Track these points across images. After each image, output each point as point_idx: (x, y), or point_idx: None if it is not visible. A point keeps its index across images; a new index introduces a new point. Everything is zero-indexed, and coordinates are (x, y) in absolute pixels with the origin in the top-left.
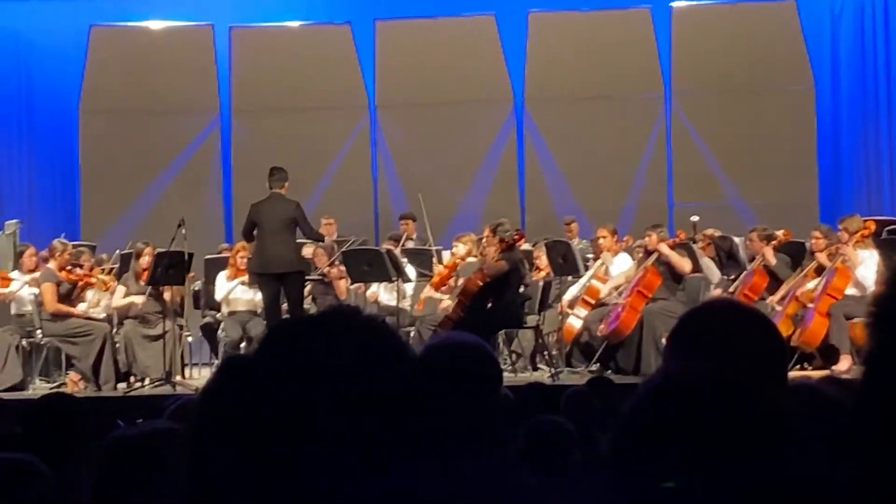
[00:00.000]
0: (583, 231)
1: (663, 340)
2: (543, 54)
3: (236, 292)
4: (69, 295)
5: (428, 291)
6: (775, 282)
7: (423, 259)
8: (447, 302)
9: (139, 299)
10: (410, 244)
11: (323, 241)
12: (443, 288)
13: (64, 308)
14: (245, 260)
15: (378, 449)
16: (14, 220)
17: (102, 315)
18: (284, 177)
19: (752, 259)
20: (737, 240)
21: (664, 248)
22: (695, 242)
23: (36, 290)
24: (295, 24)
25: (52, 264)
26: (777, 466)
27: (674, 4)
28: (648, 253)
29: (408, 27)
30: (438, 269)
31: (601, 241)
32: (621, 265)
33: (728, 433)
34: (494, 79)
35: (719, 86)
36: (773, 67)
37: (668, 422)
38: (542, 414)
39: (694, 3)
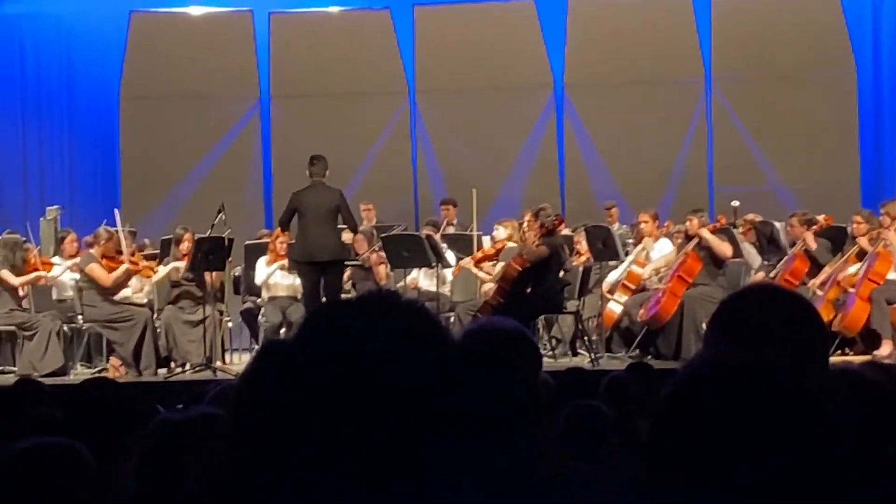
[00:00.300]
0: (623, 216)
1: (704, 326)
2: (583, 39)
3: (276, 277)
4: None
5: (467, 263)
6: (816, 267)
7: (463, 244)
8: (488, 286)
9: (180, 264)
10: (451, 230)
11: (356, 232)
12: (481, 271)
13: (119, 275)
14: (284, 245)
15: (416, 433)
16: (55, 206)
17: (144, 300)
18: (326, 165)
19: (792, 244)
20: (778, 225)
21: (705, 233)
22: (735, 227)
23: (76, 276)
24: (334, 9)
25: (94, 250)
26: (816, 451)
27: None
28: (689, 238)
29: (447, 12)
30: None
31: (642, 225)
32: (662, 250)
33: (767, 418)
34: (534, 64)
35: (760, 70)
36: (814, 52)
37: (707, 406)
38: (581, 399)
39: None
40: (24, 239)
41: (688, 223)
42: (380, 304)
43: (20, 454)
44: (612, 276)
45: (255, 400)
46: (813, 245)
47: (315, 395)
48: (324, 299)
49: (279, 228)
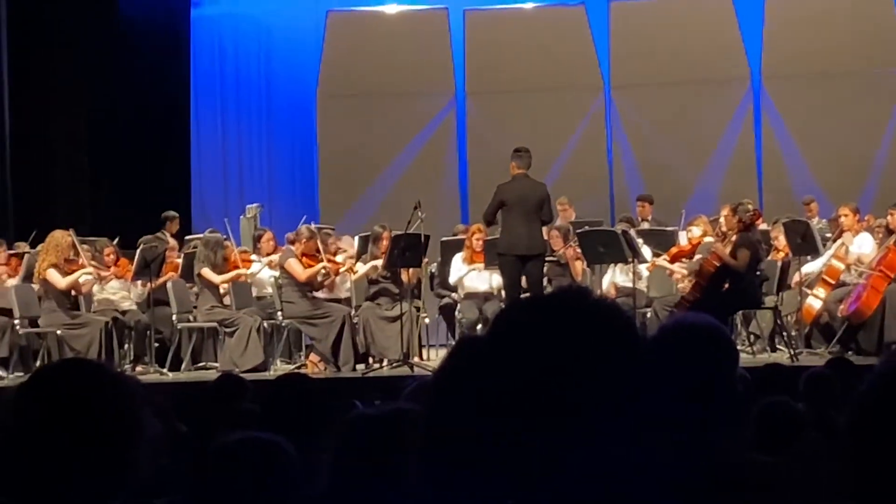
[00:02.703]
0: (822, 210)
1: None
2: (781, 31)
3: (471, 278)
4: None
5: (661, 260)
6: None
7: (659, 240)
8: (683, 283)
9: (378, 262)
10: (646, 226)
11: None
12: (676, 263)
13: (313, 272)
14: (481, 242)
15: (609, 428)
16: (255, 204)
17: (342, 297)
18: (531, 157)
19: None
20: None
21: None
22: None
23: (276, 273)
24: (528, 6)
25: (294, 247)
26: None
27: None
28: (890, 232)
29: (643, 7)
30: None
31: (842, 219)
32: (862, 245)
33: None
34: (731, 57)
35: None
36: None
37: None
38: (779, 395)
39: None
40: (224, 237)
41: (889, 217)
42: (571, 301)
43: (229, 448)
44: (808, 268)
45: (452, 394)
46: None
47: (509, 390)
48: (525, 292)
49: (477, 224)
